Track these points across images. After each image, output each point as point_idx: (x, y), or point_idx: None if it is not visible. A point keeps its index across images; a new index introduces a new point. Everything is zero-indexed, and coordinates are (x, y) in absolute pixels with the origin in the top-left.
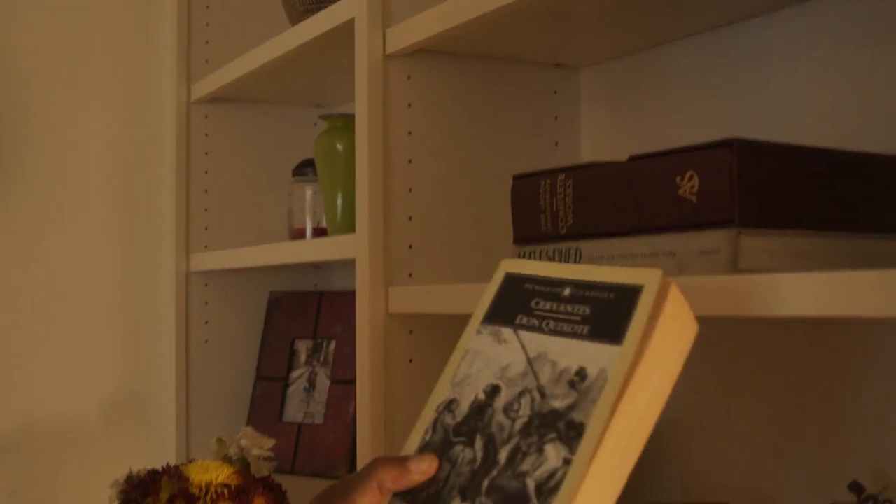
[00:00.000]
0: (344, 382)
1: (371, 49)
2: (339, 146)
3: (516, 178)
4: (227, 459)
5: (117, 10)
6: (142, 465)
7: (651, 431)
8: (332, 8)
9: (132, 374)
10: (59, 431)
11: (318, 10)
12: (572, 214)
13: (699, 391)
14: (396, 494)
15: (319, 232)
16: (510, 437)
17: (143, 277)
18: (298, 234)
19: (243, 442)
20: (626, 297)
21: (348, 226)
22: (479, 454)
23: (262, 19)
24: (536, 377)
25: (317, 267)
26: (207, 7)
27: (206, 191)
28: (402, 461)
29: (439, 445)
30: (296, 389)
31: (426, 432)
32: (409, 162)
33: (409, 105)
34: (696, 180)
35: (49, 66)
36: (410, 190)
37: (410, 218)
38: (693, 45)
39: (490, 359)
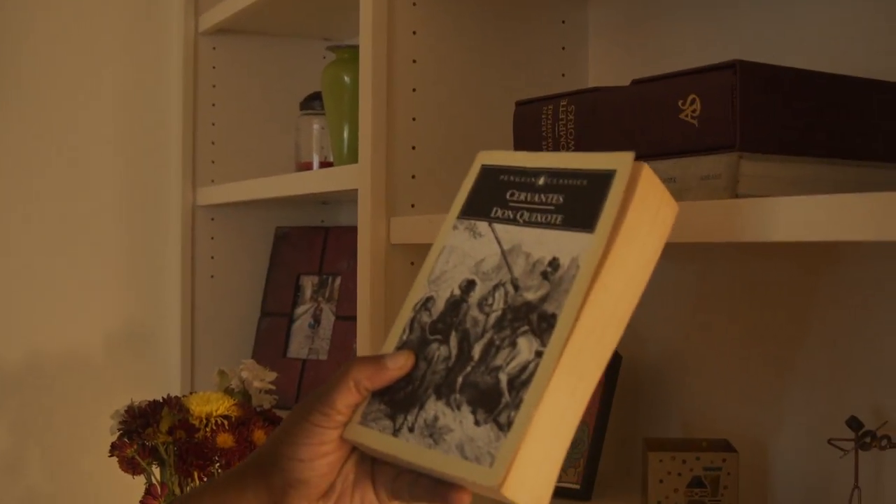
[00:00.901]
0: (349, 318)
1: None
2: (347, 78)
3: (519, 104)
4: (228, 391)
5: None
6: (146, 398)
7: (627, 321)
8: None
9: (138, 308)
10: (65, 364)
11: None
12: (574, 140)
13: (697, 323)
14: (375, 394)
15: (326, 166)
16: (484, 332)
17: (150, 211)
18: (305, 168)
19: (245, 374)
20: (599, 183)
21: (354, 159)
22: (454, 351)
23: None
24: (510, 270)
25: (324, 202)
26: None
27: (213, 124)
28: (378, 359)
29: (416, 344)
30: (300, 325)
31: (403, 332)
32: (414, 90)
33: (414, 33)
34: (697, 104)
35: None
36: (414, 119)
37: (414, 147)
38: None
39: (466, 254)
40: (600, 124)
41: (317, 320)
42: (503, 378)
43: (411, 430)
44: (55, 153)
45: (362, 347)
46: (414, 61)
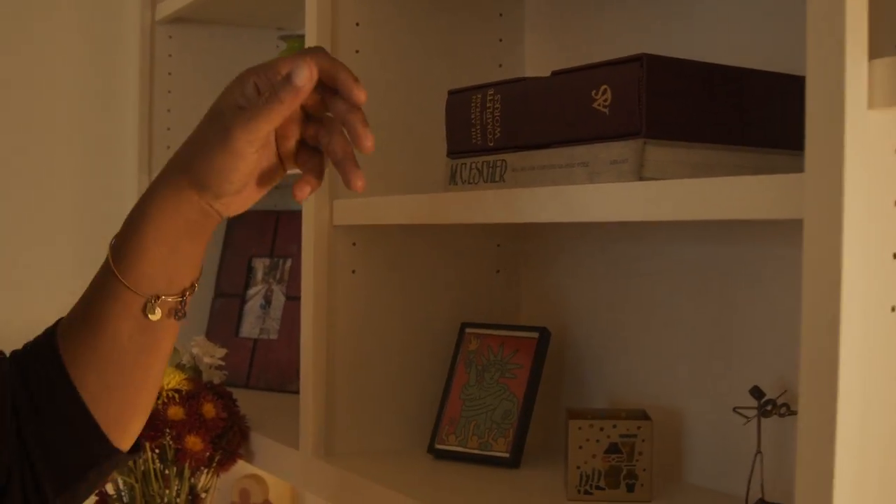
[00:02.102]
0: (299, 299)
1: None
2: None
3: (451, 92)
4: (180, 367)
5: None
6: None
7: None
8: None
9: None
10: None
11: None
12: (500, 128)
13: (619, 300)
14: None
15: None
16: None
17: (106, 197)
18: None
19: (195, 350)
20: None
21: None
22: None
23: None
24: None
25: (276, 187)
26: None
27: (168, 110)
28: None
29: None
30: (252, 306)
31: None
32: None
33: (357, 24)
34: (609, 94)
35: None
36: None
37: None
38: None
39: None
40: (523, 112)
41: (268, 301)
42: None
43: None
44: (11, 137)
45: (306, 327)
46: (357, 51)
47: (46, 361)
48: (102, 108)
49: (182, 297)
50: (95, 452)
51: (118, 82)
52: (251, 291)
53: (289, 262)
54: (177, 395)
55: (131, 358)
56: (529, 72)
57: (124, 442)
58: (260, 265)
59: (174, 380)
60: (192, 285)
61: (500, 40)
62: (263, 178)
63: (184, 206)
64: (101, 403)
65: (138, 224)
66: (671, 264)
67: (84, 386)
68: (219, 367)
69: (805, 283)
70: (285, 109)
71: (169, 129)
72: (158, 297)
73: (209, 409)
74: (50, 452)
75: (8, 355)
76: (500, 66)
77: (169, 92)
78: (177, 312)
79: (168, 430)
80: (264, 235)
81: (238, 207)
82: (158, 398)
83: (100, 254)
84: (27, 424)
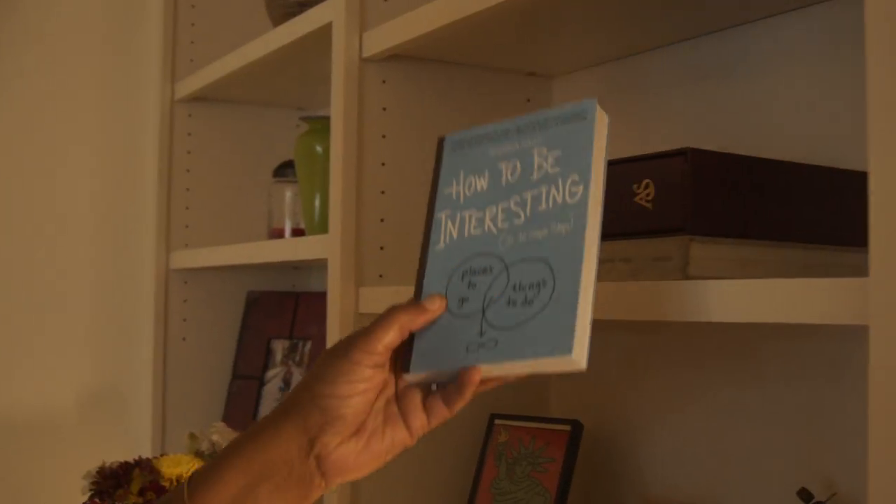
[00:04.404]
0: None
1: (348, 52)
2: (319, 148)
3: None
4: (199, 454)
5: (104, 8)
6: (117, 460)
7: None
8: (311, 11)
9: (110, 370)
10: (36, 425)
11: (300, 12)
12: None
13: (653, 399)
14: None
15: (298, 233)
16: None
17: (124, 274)
18: (278, 235)
19: (215, 437)
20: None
21: (325, 227)
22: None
23: (246, 20)
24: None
25: (296, 268)
26: (193, 7)
27: (187, 189)
28: (416, 303)
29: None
30: (271, 388)
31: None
32: (383, 164)
33: (384, 109)
34: (651, 188)
35: (34, 63)
36: (383, 192)
37: (382, 220)
38: (665, 56)
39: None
40: None
41: (287, 383)
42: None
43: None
44: (32, 214)
45: None
46: (383, 136)
47: None
48: (122, 184)
49: None
50: None
51: (138, 160)
52: (270, 374)
53: (308, 344)
54: None
55: None
56: None
57: None
58: (279, 347)
59: (193, 467)
60: None
61: None
62: (377, 434)
63: (281, 439)
64: None
65: (227, 452)
66: (711, 358)
67: None
68: None
69: (871, 390)
70: (403, 321)
71: (188, 207)
72: None
73: None
74: None
75: None
76: None
77: (188, 171)
78: None
79: None
80: (283, 317)
81: (345, 458)
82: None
83: (114, 334)
84: None
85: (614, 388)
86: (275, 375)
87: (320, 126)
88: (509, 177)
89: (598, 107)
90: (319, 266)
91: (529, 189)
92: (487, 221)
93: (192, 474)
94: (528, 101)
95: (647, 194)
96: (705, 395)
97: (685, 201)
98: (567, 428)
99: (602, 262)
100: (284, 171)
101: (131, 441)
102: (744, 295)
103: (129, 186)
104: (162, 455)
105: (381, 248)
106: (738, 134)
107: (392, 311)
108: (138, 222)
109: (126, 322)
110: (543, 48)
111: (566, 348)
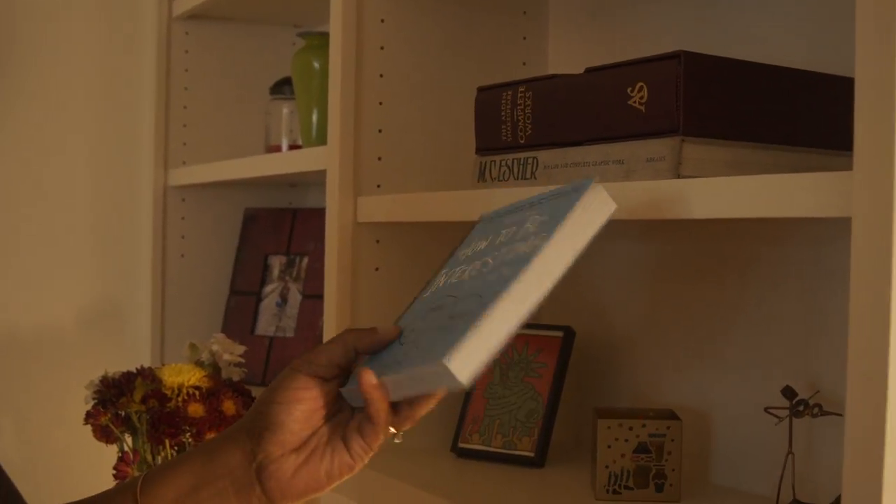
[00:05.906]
0: (315, 297)
1: None
2: (316, 64)
3: (480, 89)
4: (199, 364)
5: None
6: (119, 370)
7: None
8: None
9: (110, 286)
10: (39, 339)
11: None
12: (531, 125)
13: (647, 300)
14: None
15: (295, 149)
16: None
17: (122, 191)
18: (275, 151)
19: (215, 347)
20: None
21: (322, 142)
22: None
23: None
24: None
25: (292, 185)
26: None
27: (185, 107)
28: (371, 327)
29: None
30: (268, 304)
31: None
32: (381, 76)
33: (382, 20)
34: (645, 91)
35: None
36: (381, 103)
37: (380, 130)
38: None
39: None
40: (555, 109)
41: (284, 299)
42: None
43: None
44: (28, 134)
45: (328, 324)
46: (381, 48)
47: None
48: (120, 102)
49: None
50: None
51: (135, 78)
52: (267, 289)
53: (305, 260)
54: (197, 392)
55: None
56: (553, 70)
57: None
58: (276, 263)
59: (194, 377)
60: None
61: (524, 38)
62: (318, 452)
63: (230, 445)
64: None
65: (185, 453)
66: (699, 263)
67: None
68: (238, 365)
69: (854, 282)
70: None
71: (185, 125)
72: None
73: (229, 406)
74: None
75: None
76: (524, 63)
77: (185, 88)
78: None
79: (188, 428)
80: (280, 233)
81: (284, 471)
82: (178, 395)
83: (113, 251)
84: None
85: (605, 296)
86: (272, 291)
87: (317, 42)
88: (503, 238)
89: (600, 188)
90: (316, 182)
91: (509, 245)
92: (468, 271)
93: (148, 472)
94: (525, 13)
95: (641, 97)
96: (694, 301)
97: (678, 103)
98: (559, 334)
99: (596, 163)
100: (281, 88)
101: (131, 353)
102: (733, 191)
103: (127, 104)
104: (163, 365)
105: (379, 159)
106: (729, 41)
107: (344, 330)
108: (137, 140)
109: (125, 239)
110: None
111: (447, 356)
